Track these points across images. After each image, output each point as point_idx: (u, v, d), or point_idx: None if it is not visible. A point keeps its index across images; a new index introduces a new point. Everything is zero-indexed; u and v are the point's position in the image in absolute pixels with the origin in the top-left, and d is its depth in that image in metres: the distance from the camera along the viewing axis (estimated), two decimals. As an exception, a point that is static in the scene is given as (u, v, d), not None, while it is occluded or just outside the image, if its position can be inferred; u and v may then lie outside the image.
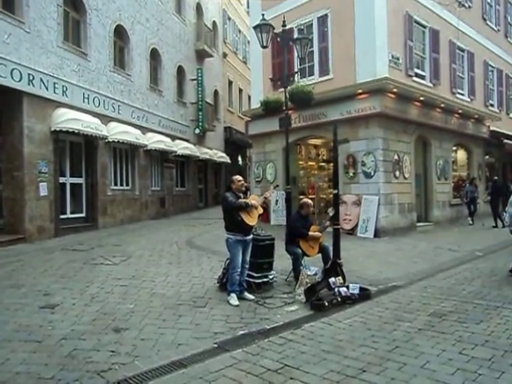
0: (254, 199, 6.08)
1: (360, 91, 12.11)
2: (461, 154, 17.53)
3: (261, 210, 6.08)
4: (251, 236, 6.07)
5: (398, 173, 12.61)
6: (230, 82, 26.31)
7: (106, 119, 13.66)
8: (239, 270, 5.84)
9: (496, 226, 13.90)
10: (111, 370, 3.76)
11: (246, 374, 3.71)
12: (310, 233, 6.75)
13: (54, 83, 11.59)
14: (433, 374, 3.65)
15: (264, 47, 9.52)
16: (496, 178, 17.03)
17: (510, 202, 7.21)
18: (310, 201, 7.33)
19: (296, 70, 13.08)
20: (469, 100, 16.46)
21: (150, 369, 3.80)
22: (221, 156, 23.30)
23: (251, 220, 5.86)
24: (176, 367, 3.86)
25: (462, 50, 16.38)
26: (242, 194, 6.04)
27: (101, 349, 4.22)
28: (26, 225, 10.73)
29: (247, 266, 6.08)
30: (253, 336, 4.60)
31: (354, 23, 12.48)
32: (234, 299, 5.74)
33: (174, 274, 7.47)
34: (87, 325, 4.91)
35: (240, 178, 6.17)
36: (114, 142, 13.74)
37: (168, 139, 17.37)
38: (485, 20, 18.17)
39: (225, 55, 25.09)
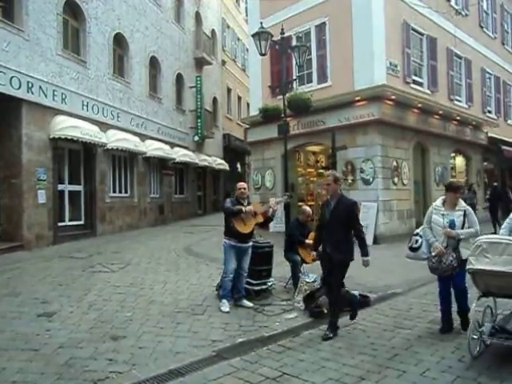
0: (255, 206, 6.04)
1: (358, 98, 12.16)
2: (459, 161, 17.57)
3: (261, 219, 6.02)
4: (249, 244, 6.03)
5: (396, 179, 12.62)
6: (229, 90, 26.41)
7: (104, 126, 13.67)
8: (231, 275, 5.82)
9: (495, 232, 13.89)
10: (108, 379, 3.74)
11: (244, 383, 3.69)
12: (307, 241, 6.73)
13: (53, 91, 11.61)
14: (432, 382, 3.63)
15: (262, 55, 9.58)
16: (495, 184, 17.07)
17: (427, 218, 5.04)
18: (308, 208, 7.32)
19: (294, 77, 13.13)
20: (466, 107, 16.52)
21: (147, 377, 3.77)
22: (220, 163, 23.32)
23: (244, 228, 5.81)
24: (174, 376, 3.83)
25: (460, 57, 16.47)
26: (246, 201, 5.97)
27: (98, 357, 4.19)
28: (24, 232, 10.69)
29: (245, 274, 6.06)
30: (251, 344, 4.57)
31: (351, 31, 12.56)
32: (225, 306, 5.72)
33: (172, 281, 7.43)
34: (85, 333, 4.88)
35: (242, 185, 6.09)
36: (112, 149, 13.74)
37: (167, 146, 17.39)
38: (482, 28, 18.30)
39: (224, 63, 25.20)
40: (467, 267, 4.13)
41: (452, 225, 4.72)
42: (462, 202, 4.89)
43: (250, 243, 6.06)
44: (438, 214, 4.86)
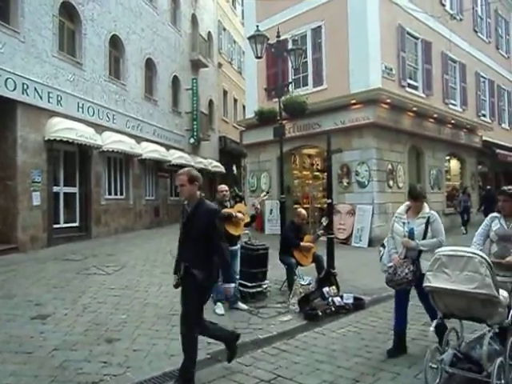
0: (240, 208, 6.07)
1: (354, 101, 12.24)
2: (454, 164, 17.69)
3: (247, 219, 6.08)
4: (238, 246, 6.07)
5: (391, 182, 12.69)
6: (225, 92, 26.44)
7: (100, 128, 13.64)
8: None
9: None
10: (103, 382, 3.73)
11: (238, 385, 3.69)
12: (302, 243, 6.76)
13: (49, 92, 11.58)
14: (426, 384, 3.64)
15: (258, 58, 9.60)
16: (489, 187, 17.19)
17: (391, 227, 4.57)
18: (303, 211, 7.34)
19: (290, 80, 13.15)
20: (461, 110, 16.65)
21: (142, 380, 3.77)
22: (215, 165, 23.31)
23: (235, 230, 5.86)
24: (168, 378, 3.83)
25: (454, 62, 16.60)
26: (228, 203, 6.01)
27: (92, 360, 4.17)
28: (19, 234, 10.63)
29: (237, 276, 6.07)
30: (246, 346, 4.57)
31: (347, 35, 12.64)
32: (219, 308, 5.75)
33: (167, 283, 7.38)
34: (79, 335, 4.86)
35: (223, 187, 6.13)
36: (108, 151, 13.70)
37: (162, 149, 17.36)
38: (476, 32, 18.47)
39: (220, 65, 25.23)
40: (424, 284, 3.53)
41: (411, 234, 4.25)
42: (426, 209, 4.36)
43: (239, 245, 6.09)
44: (399, 223, 4.42)
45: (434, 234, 4.25)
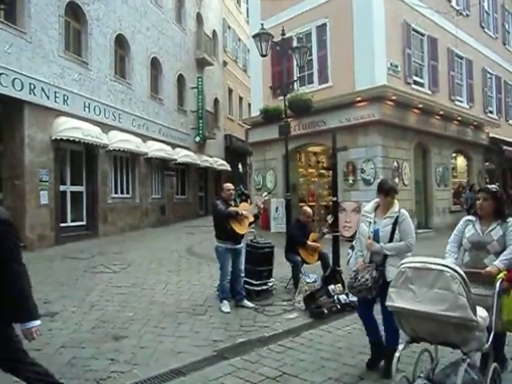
0: (245, 207, 6.10)
1: (359, 99, 12.20)
2: (460, 161, 17.58)
3: (251, 218, 6.10)
4: (242, 244, 6.09)
5: (397, 180, 12.61)
6: (230, 90, 26.45)
7: (106, 128, 13.72)
8: (229, 278, 5.88)
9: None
10: (110, 379, 3.77)
11: (244, 382, 3.72)
12: (309, 242, 6.76)
13: (55, 92, 11.66)
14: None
15: (263, 56, 9.59)
16: (497, 184, 17.07)
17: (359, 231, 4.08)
18: (308, 209, 7.35)
19: (295, 78, 13.15)
20: (468, 107, 16.53)
21: (148, 377, 3.81)
22: (221, 164, 23.36)
23: (241, 229, 5.87)
24: (175, 375, 3.86)
25: (461, 58, 16.48)
26: (232, 202, 6.04)
27: (100, 357, 4.22)
28: (27, 233, 10.74)
29: (242, 274, 6.10)
30: (252, 344, 4.61)
31: (352, 32, 12.60)
32: (225, 306, 5.78)
33: (173, 281, 7.47)
34: (87, 333, 4.91)
35: (230, 186, 6.14)
36: (114, 150, 13.79)
37: (168, 147, 17.43)
38: (483, 28, 18.30)
39: (225, 63, 25.25)
40: (386, 303, 2.87)
41: (375, 236, 3.79)
42: (395, 207, 3.86)
43: (243, 244, 6.13)
44: (365, 222, 3.93)
45: (401, 235, 3.76)
